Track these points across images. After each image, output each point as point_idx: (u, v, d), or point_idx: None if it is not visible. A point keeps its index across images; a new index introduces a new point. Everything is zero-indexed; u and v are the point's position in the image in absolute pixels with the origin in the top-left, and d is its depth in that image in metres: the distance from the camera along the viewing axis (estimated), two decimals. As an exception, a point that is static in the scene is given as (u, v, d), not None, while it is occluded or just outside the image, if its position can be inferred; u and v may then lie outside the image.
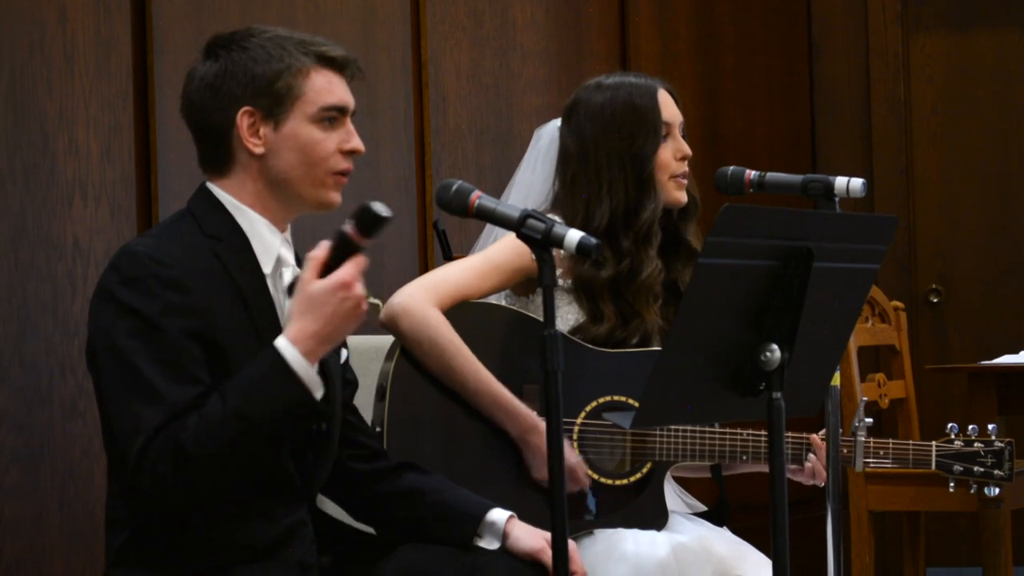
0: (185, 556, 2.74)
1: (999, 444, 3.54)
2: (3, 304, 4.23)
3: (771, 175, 3.35)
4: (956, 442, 3.56)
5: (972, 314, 6.72)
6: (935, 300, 6.76)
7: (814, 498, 4.34)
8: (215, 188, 2.86)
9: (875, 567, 5.11)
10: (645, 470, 3.41)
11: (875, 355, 6.00)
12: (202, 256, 2.78)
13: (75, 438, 4.28)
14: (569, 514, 2.71)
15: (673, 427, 3.38)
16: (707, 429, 3.41)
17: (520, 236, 2.73)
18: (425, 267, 5.19)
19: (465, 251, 3.89)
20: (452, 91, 5.39)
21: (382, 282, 4.85)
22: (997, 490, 3.58)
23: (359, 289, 2.68)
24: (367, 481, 3.03)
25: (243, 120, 2.81)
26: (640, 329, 3.45)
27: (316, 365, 2.70)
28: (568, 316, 3.46)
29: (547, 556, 2.90)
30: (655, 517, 3.39)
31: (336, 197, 2.87)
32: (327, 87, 2.84)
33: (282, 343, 2.68)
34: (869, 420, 3.48)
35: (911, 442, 3.55)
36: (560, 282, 3.45)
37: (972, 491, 3.59)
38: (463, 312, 3.37)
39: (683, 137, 3.54)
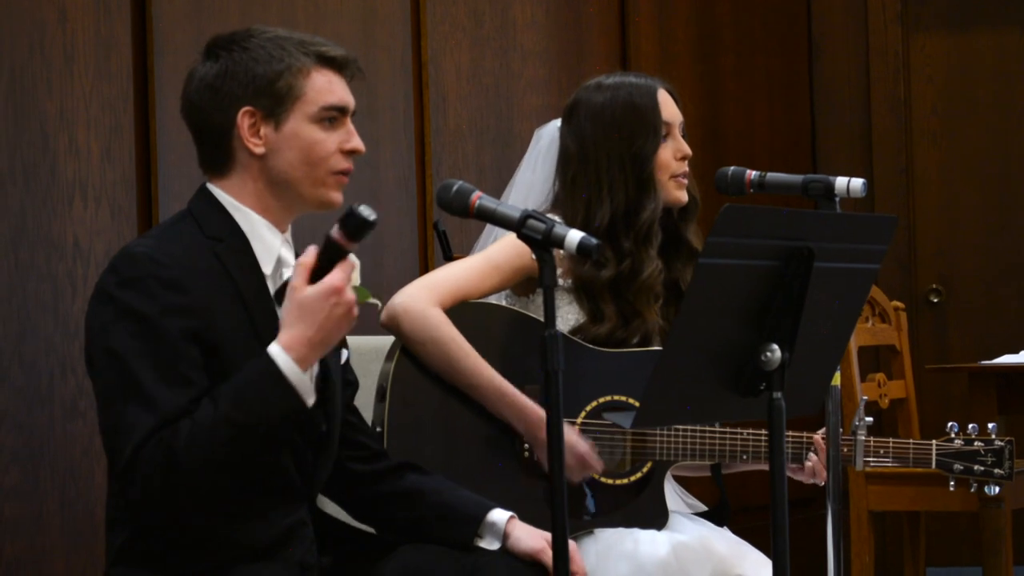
0: (185, 556, 2.74)
1: (999, 443, 3.54)
2: (3, 304, 4.23)
3: (771, 175, 3.35)
4: (956, 441, 3.56)
5: (972, 314, 6.72)
6: (935, 300, 6.76)
7: (814, 498, 4.35)
8: (215, 189, 2.86)
9: (875, 567, 5.11)
10: (645, 470, 3.41)
11: (875, 355, 6.00)
12: (202, 257, 2.78)
13: (75, 438, 4.28)
14: (569, 512, 2.71)
15: (673, 427, 3.38)
16: (707, 428, 3.41)
17: (521, 236, 2.73)
18: (425, 268, 5.19)
19: (465, 251, 3.89)
20: (452, 91, 5.39)
21: (382, 283, 4.86)
22: (997, 489, 3.58)
23: (350, 294, 2.69)
24: (368, 481, 3.03)
25: (244, 120, 2.81)
26: (641, 329, 3.45)
27: (309, 371, 2.70)
28: (568, 316, 3.46)
29: (547, 556, 2.90)
30: (655, 516, 3.40)
31: (337, 196, 2.87)
32: (327, 87, 2.84)
33: (275, 350, 2.68)
34: (869, 419, 3.48)
35: (911, 441, 3.55)
36: (560, 282, 3.45)
37: (972, 490, 3.59)
38: (463, 312, 3.37)
39: (683, 137, 3.54)
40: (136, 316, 2.69)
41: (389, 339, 3.39)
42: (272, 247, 2.85)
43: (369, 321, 3.12)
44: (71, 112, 4.37)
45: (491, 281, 3.42)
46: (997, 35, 6.77)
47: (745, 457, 3.44)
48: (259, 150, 2.82)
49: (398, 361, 3.35)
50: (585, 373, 3.38)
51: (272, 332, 2.79)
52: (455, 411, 3.35)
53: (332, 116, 2.84)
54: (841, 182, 3.25)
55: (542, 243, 2.71)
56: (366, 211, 2.66)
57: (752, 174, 3.35)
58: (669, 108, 3.52)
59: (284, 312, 2.71)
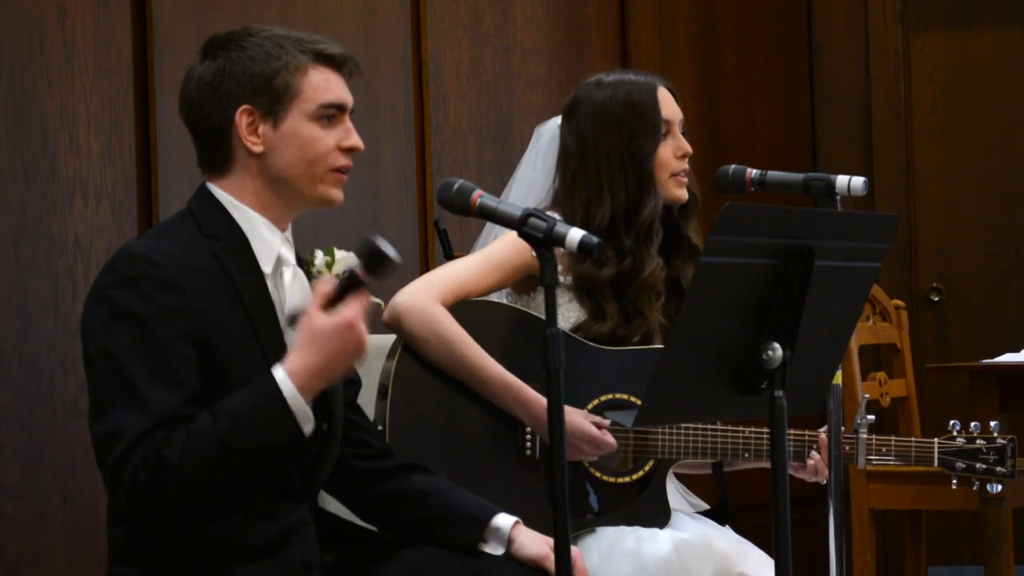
0: (186, 555, 2.74)
1: (1001, 441, 3.54)
2: (4, 302, 4.23)
3: (772, 174, 3.35)
4: (958, 439, 3.56)
5: (973, 312, 6.72)
6: (936, 299, 6.76)
7: (816, 496, 4.34)
8: (215, 188, 2.86)
9: (876, 565, 5.11)
10: (647, 468, 3.41)
11: (876, 354, 6.00)
12: (201, 256, 2.78)
13: (77, 436, 4.27)
14: (571, 511, 2.71)
15: (675, 425, 3.38)
16: (709, 427, 3.41)
17: (522, 235, 2.73)
18: (426, 266, 5.19)
19: (466, 250, 3.89)
20: (452, 89, 5.39)
21: (383, 281, 4.85)
22: (1000, 487, 3.58)
23: (362, 330, 2.69)
24: (371, 480, 3.02)
25: (242, 119, 2.81)
26: (642, 327, 3.45)
27: (309, 400, 2.70)
28: (569, 314, 3.46)
29: (551, 563, 2.88)
30: (657, 515, 3.40)
31: (337, 194, 2.87)
32: (325, 85, 2.84)
33: (280, 375, 2.68)
34: (871, 417, 3.48)
35: (913, 439, 3.55)
36: (561, 280, 3.45)
37: (975, 488, 3.59)
38: (465, 310, 3.37)
39: (683, 135, 3.54)
40: (132, 317, 2.69)
41: (391, 337, 3.39)
42: (272, 246, 2.85)
43: (372, 321, 3.12)
44: (71, 110, 4.37)
45: (492, 279, 3.42)
46: (997, 34, 6.77)
47: (747, 455, 3.44)
48: (257, 149, 2.82)
49: (400, 359, 3.35)
50: (587, 371, 3.38)
51: (271, 332, 2.79)
52: (457, 409, 3.35)
53: (330, 114, 2.84)
54: (842, 180, 3.25)
55: (543, 241, 2.70)
56: (390, 250, 2.65)
57: (753, 172, 3.35)
58: (669, 106, 3.52)
59: (295, 336, 2.71)
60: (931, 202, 6.80)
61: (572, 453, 3.27)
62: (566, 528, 2.64)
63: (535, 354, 3.13)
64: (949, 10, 6.81)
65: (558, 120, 3.60)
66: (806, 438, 3.44)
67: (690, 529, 3.41)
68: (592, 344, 3.41)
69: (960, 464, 3.55)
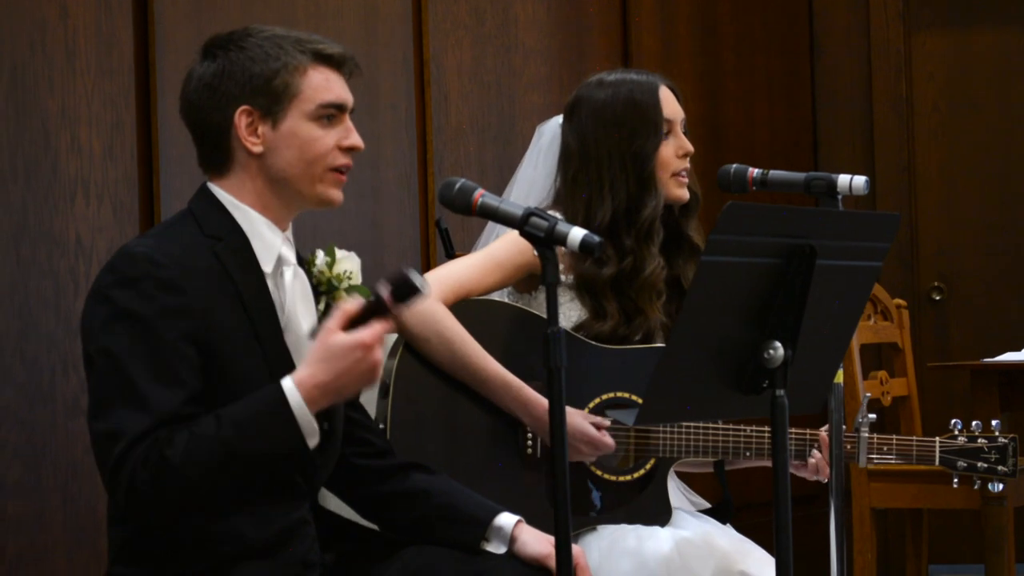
0: (186, 554, 2.74)
1: (1003, 440, 3.54)
2: (5, 301, 4.23)
3: (774, 173, 3.35)
4: (960, 438, 3.56)
5: (974, 311, 6.72)
6: (937, 298, 6.76)
7: (817, 495, 4.35)
8: (215, 188, 2.86)
9: (877, 564, 5.11)
10: (649, 466, 3.41)
11: (877, 353, 6.00)
12: (202, 256, 2.78)
13: (77, 435, 4.27)
14: (573, 509, 2.71)
15: (676, 424, 3.38)
16: (710, 425, 3.42)
17: (523, 234, 2.73)
18: (428, 266, 5.19)
19: (467, 249, 3.89)
20: (454, 89, 5.39)
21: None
22: (1001, 486, 3.58)
23: (378, 354, 2.68)
24: (373, 479, 3.02)
25: (241, 119, 2.81)
26: (643, 326, 3.45)
27: (315, 413, 2.70)
28: (570, 313, 3.46)
29: (553, 562, 2.88)
30: (658, 513, 3.40)
31: (336, 195, 2.87)
32: (324, 84, 2.84)
33: (288, 385, 2.68)
34: (872, 416, 3.48)
35: (914, 438, 3.55)
36: (562, 279, 3.45)
37: (976, 487, 3.60)
38: (466, 309, 3.37)
39: (685, 134, 3.54)
40: (133, 317, 2.69)
41: (393, 336, 3.39)
42: (272, 246, 2.85)
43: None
44: (73, 109, 4.37)
45: (493, 278, 3.43)
46: (998, 33, 6.77)
47: (748, 454, 3.44)
48: (257, 149, 2.82)
49: (401, 357, 3.35)
50: (588, 370, 3.38)
51: (271, 331, 2.79)
52: (458, 407, 3.35)
53: (330, 114, 2.84)
54: (844, 180, 3.25)
55: (545, 241, 2.70)
56: (420, 282, 2.65)
57: (754, 172, 3.35)
58: (671, 105, 3.52)
59: (310, 349, 2.71)
60: (932, 201, 6.80)
61: (571, 454, 3.27)
62: (567, 527, 2.64)
63: (536, 353, 3.13)
64: (950, 10, 6.81)
65: (559, 119, 3.60)
66: (807, 437, 3.45)
67: (691, 527, 3.41)
68: (593, 343, 3.41)
69: (962, 463, 3.55)
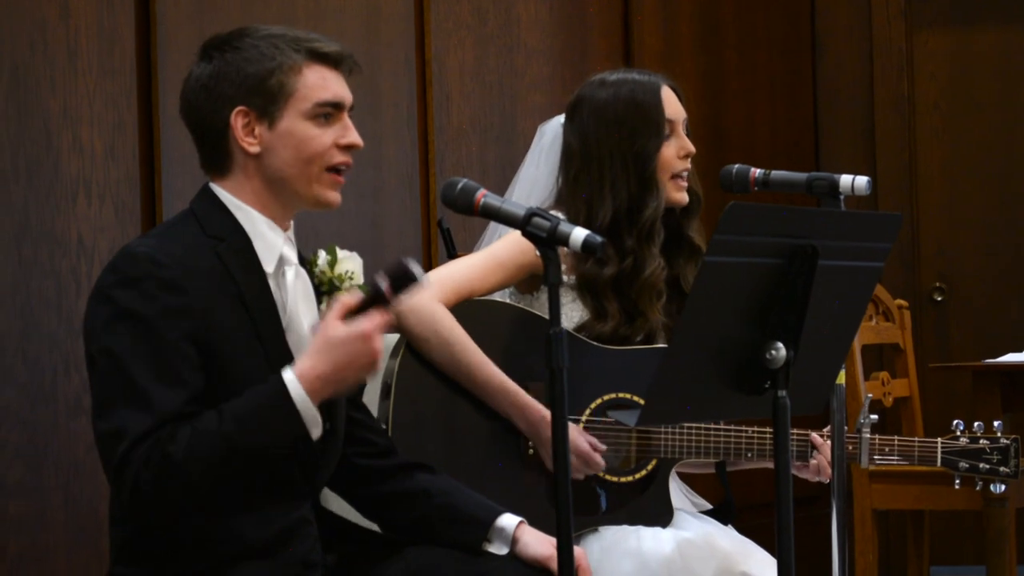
0: (187, 554, 2.74)
1: (1005, 441, 3.54)
2: (7, 301, 4.23)
3: (776, 173, 3.34)
4: (962, 439, 3.56)
5: (976, 312, 6.72)
6: (939, 298, 6.75)
7: (818, 496, 4.34)
8: (217, 188, 2.86)
9: (879, 565, 5.11)
10: (650, 467, 3.41)
11: (879, 353, 6.00)
12: (203, 256, 2.78)
13: (79, 435, 4.27)
14: (578, 510, 2.70)
15: (678, 424, 3.38)
16: (712, 426, 3.41)
17: (526, 234, 2.72)
18: (429, 266, 5.18)
19: (468, 249, 3.89)
20: (456, 89, 5.39)
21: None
22: (1003, 487, 3.58)
23: (378, 344, 2.68)
24: (375, 479, 3.02)
25: (237, 120, 2.81)
26: (644, 327, 3.45)
27: (317, 405, 2.70)
28: (572, 313, 3.46)
29: (555, 564, 2.88)
30: (660, 514, 3.39)
31: (334, 196, 2.86)
32: (320, 83, 2.83)
33: (289, 377, 2.67)
34: (874, 417, 3.48)
35: (916, 439, 3.55)
36: (564, 279, 3.45)
37: (978, 488, 3.59)
38: (468, 309, 3.37)
39: (687, 134, 3.54)
40: (135, 317, 2.69)
41: (394, 337, 3.39)
42: (274, 246, 2.85)
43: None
44: (74, 109, 4.37)
45: (495, 278, 3.42)
46: (1000, 32, 6.77)
47: (750, 455, 3.44)
48: (254, 149, 2.82)
49: (403, 358, 3.34)
50: (590, 370, 3.38)
51: (273, 332, 2.79)
52: (459, 408, 3.35)
53: (327, 112, 2.84)
54: (846, 180, 3.25)
55: (547, 241, 2.70)
56: (419, 272, 2.65)
57: (756, 172, 3.35)
58: (672, 105, 3.52)
59: (311, 341, 2.71)
60: (934, 201, 6.80)
61: None
62: (569, 529, 2.64)
63: (537, 353, 3.13)
64: (952, 8, 6.80)
65: (561, 118, 3.60)
66: (808, 438, 3.44)
67: (693, 528, 3.41)
68: (595, 343, 3.41)
69: (963, 464, 3.55)
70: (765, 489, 3.04)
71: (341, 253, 2.94)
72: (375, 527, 3.06)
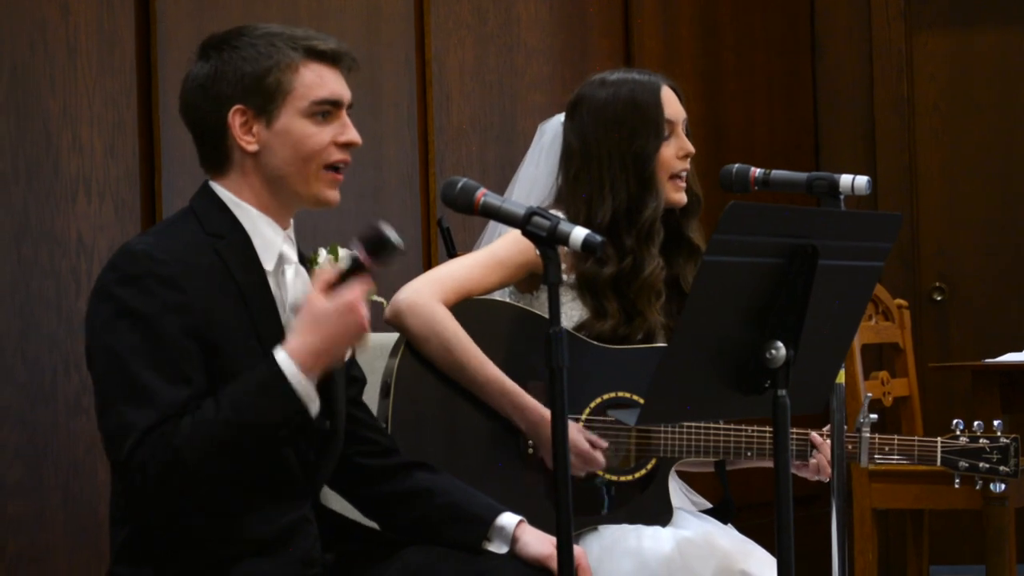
0: (187, 553, 2.74)
1: (1004, 440, 3.54)
2: (6, 300, 4.23)
3: (776, 173, 3.34)
4: (961, 438, 3.56)
5: (975, 312, 6.72)
6: (938, 298, 6.76)
7: (818, 495, 4.34)
8: (216, 186, 2.86)
9: (878, 565, 5.11)
10: (650, 466, 3.41)
11: (878, 353, 6.00)
12: (203, 254, 2.78)
13: (79, 435, 4.27)
14: (578, 510, 2.70)
15: (678, 424, 3.38)
16: (711, 425, 3.41)
17: (526, 233, 2.73)
18: (429, 265, 5.19)
19: (468, 249, 3.89)
20: (456, 88, 5.39)
21: (386, 279, 4.84)
22: (1003, 486, 3.58)
23: (363, 311, 2.69)
24: (376, 477, 3.02)
25: (235, 119, 2.81)
26: (643, 326, 3.45)
27: (313, 381, 2.70)
28: (572, 313, 3.46)
29: (555, 563, 2.88)
30: (660, 513, 3.39)
31: (332, 195, 2.86)
32: (318, 81, 2.83)
33: (281, 356, 2.68)
34: (874, 416, 3.48)
35: (916, 438, 3.55)
36: (564, 278, 3.45)
37: (977, 487, 3.59)
38: (468, 309, 3.37)
39: (687, 135, 3.54)
40: (136, 314, 2.69)
41: (394, 335, 3.39)
42: (273, 244, 2.85)
43: (374, 318, 3.12)
44: (74, 108, 4.37)
45: (495, 277, 3.42)
46: (1000, 33, 6.77)
47: (749, 454, 3.44)
48: (252, 148, 2.82)
49: (402, 357, 3.34)
50: (590, 370, 3.38)
51: (273, 329, 2.79)
52: (459, 408, 3.35)
53: (325, 110, 2.84)
54: (846, 180, 3.25)
55: (547, 240, 2.70)
56: (393, 235, 2.66)
57: (757, 172, 3.34)
58: (672, 105, 3.52)
59: (296, 319, 2.71)
60: (933, 201, 6.80)
61: None
62: (569, 528, 2.64)
63: (537, 353, 3.13)
64: (952, 9, 6.81)
65: (561, 118, 3.60)
66: (808, 437, 3.44)
67: (692, 527, 3.41)
68: (595, 343, 3.41)
69: (963, 463, 3.55)
70: (765, 488, 3.04)
71: (342, 252, 2.94)
72: (375, 526, 3.06)
